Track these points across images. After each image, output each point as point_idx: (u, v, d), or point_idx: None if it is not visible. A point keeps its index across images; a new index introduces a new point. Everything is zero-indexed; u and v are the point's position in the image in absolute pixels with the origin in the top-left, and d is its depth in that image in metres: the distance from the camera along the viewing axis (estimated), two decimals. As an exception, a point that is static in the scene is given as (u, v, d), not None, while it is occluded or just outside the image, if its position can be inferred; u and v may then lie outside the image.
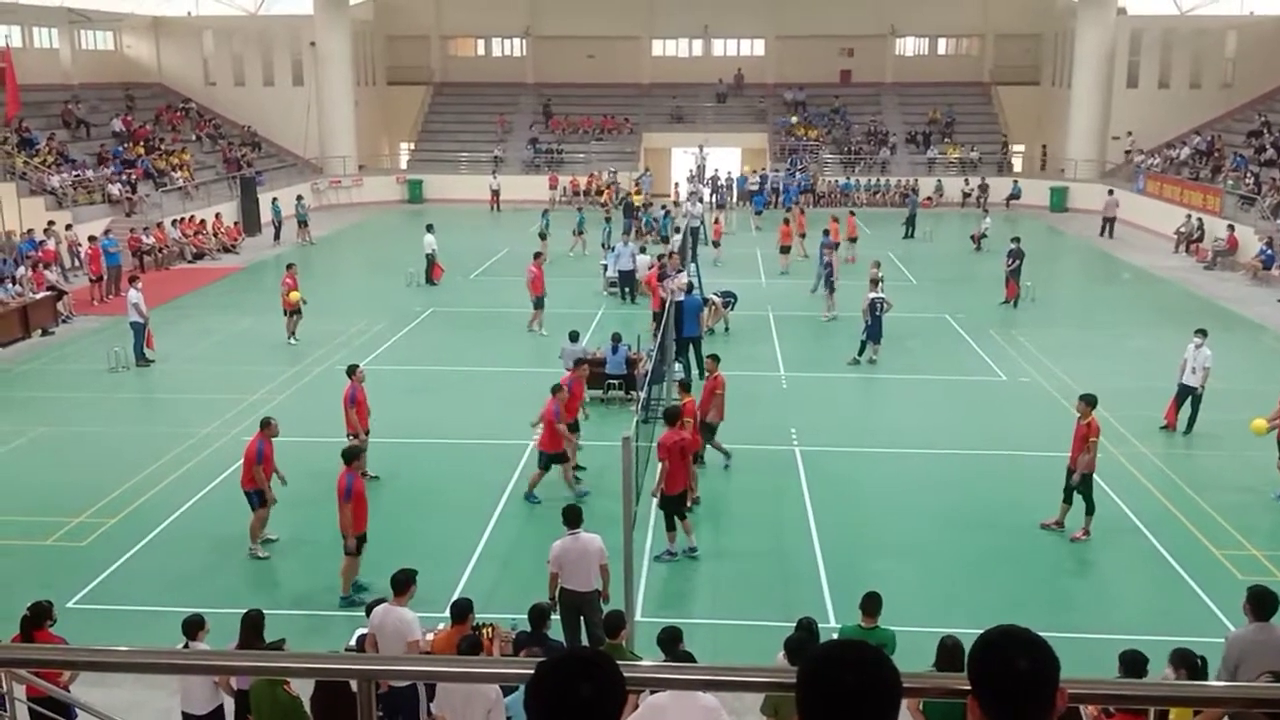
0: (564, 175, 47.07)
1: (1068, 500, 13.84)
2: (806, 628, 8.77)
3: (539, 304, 24.11)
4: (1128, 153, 44.85)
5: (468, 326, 25.25)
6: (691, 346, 19.67)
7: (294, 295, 22.87)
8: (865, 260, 27.13)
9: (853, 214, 35.98)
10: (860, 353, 21.72)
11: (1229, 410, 17.55)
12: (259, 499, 13.33)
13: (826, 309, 25.51)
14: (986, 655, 2.36)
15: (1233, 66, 45.98)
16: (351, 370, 15.38)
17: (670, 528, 13.24)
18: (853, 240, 32.71)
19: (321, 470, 14.13)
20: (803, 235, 33.04)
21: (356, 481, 12.08)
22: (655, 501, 13.28)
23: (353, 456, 12.17)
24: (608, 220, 35.13)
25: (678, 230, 29.97)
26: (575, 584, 10.56)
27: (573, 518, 10.71)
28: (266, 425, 13.45)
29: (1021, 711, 2.32)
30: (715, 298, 23.88)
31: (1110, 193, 39.45)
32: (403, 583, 9.31)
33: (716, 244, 32.97)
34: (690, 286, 20.48)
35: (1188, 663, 7.56)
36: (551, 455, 14.71)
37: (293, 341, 23.05)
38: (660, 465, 13.02)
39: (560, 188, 46.47)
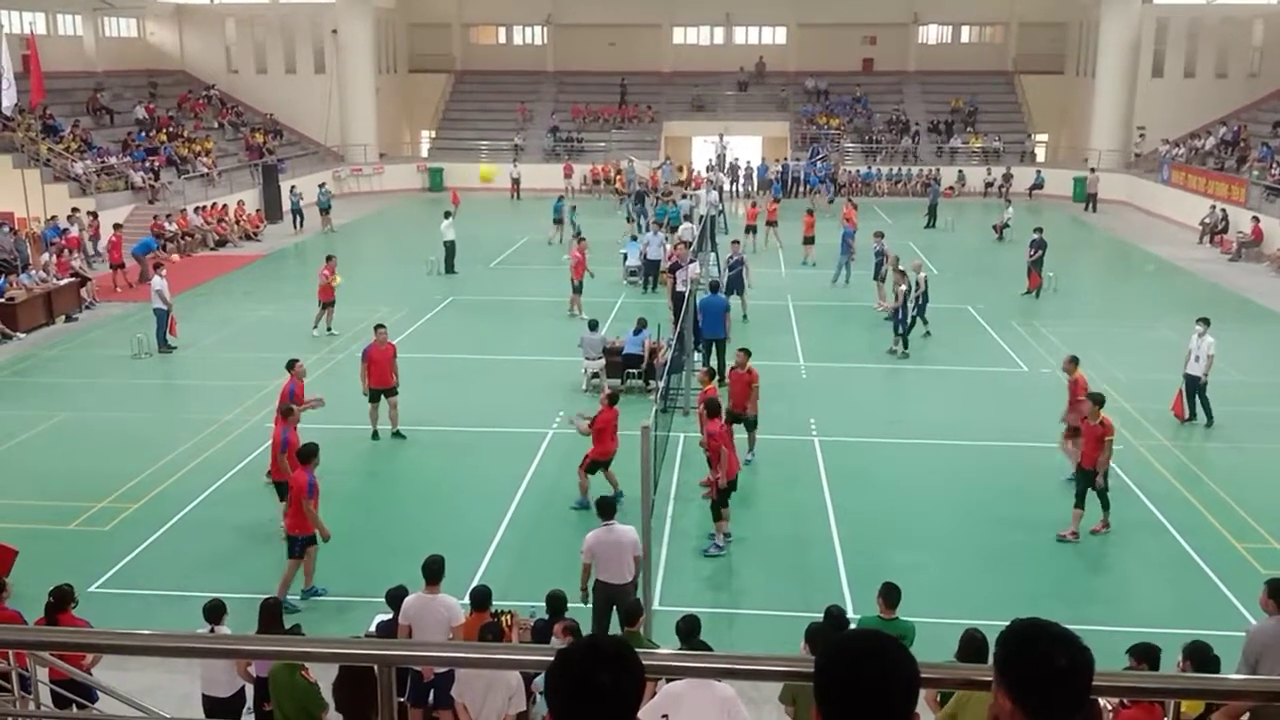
0: (581, 164, 46.88)
1: (1080, 505, 13.49)
2: (835, 617, 8.74)
3: (578, 289, 24.44)
4: (1138, 155, 44.73)
5: (487, 315, 25.30)
6: (715, 347, 19.16)
7: (336, 279, 22.82)
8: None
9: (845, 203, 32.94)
10: (905, 346, 21.52)
11: (1252, 403, 17.40)
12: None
13: (881, 299, 24.55)
14: (1023, 651, 2.34)
15: (1260, 56, 45.44)
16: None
17: (718, 518, 13.15)
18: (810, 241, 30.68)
19: (341, 460, 14.18)
20: (772, 224, 32.48)
21: (314, 478, 11.80)
22: (706, 493, 13.26)
23: (309, 456, 11.89)
24: (639, 209, 35.01)
25: (687, 218, 29.86)
26: (609, 576, 10.48)
27: (607, 509, 10.65)
28: (289, 413, 13.46)
29: (1058, 706, 2.32)
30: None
31: (1092, 170, 42.45)
32: (436, 570, 9.27)
33: (772, 223, 31.98)
34: (715, 285, 20.25)
35: (1196, 656, 7.50)
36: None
37: (319, 333, 22.98)
38: (721, 454, 12.84)
39: (580, 176, 46.32)
